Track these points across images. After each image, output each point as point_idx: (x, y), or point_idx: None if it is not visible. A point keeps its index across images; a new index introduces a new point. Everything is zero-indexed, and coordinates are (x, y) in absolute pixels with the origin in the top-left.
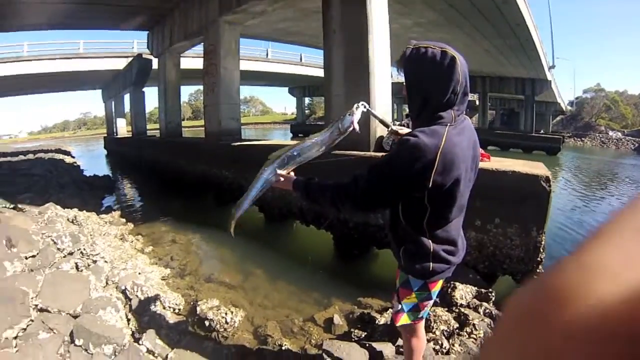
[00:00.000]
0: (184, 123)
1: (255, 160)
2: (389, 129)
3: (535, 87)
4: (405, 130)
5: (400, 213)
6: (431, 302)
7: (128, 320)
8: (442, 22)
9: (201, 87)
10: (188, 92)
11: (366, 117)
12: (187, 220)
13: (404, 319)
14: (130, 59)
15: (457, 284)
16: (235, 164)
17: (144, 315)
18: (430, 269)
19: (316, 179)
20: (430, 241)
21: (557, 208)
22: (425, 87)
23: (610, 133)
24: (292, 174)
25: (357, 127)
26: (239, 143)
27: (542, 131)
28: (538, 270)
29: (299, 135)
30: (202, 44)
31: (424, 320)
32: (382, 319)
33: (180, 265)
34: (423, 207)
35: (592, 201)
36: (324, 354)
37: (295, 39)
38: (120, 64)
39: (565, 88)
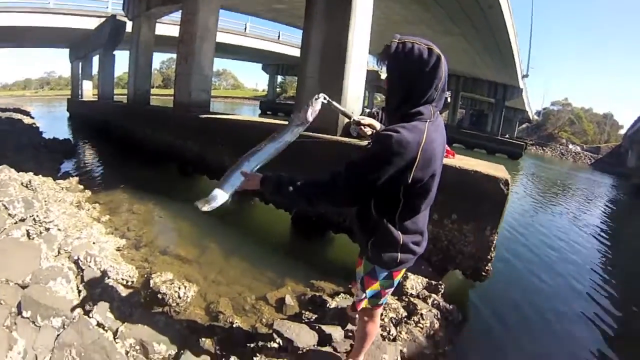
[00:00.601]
0: (153, 91)
1: (222, 134)
2: (352, 120)
3: (507, 92)
4: (368, 120)
5: (372, 205)
6: (392, 289)
7: (79, 291)
8: (426, 18)
9: (174, 56)
10: (160, 60)
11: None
12: (147, 190)
13: (364, 303)
14: (103, 19)
15: (409, 274)
16: (201, 137)
17: (96, 287)
18: (398, 259)
19: (284, 174)
20: (399, 232)
21: (508, 211)
22: (409, 82)
23: (571, 146)
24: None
25: (310, 118)
26: (207, 116)
27: (507, 135)
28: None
29: (267, 112)
30: (180, 11)
31: (382, 308)
32: (333, 303)
33: (136, 236)
34: (397, 200)
35: (542, 208)
36: (274, 334)
37: (276, 17)
38: (92, 23)
39: (535, 97)
